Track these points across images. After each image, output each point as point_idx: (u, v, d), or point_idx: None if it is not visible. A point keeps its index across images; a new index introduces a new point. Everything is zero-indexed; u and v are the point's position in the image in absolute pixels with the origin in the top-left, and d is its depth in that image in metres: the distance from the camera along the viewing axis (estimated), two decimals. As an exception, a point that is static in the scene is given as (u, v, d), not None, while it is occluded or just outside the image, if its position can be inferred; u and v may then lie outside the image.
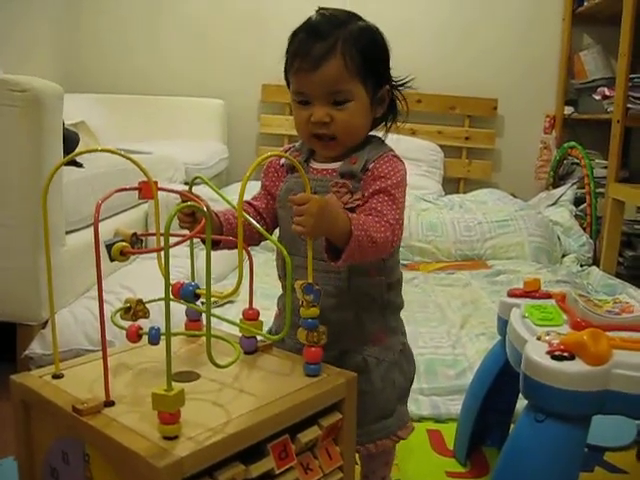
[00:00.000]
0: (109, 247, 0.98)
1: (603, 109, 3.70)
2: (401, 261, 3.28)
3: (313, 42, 1.16)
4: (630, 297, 1.32)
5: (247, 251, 1.10)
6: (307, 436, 0.98)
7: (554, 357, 1.10)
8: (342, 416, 1.04)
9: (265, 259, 2.83)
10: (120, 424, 0.89)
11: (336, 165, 1.22)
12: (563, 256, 3.57)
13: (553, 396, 1.09)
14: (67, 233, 2.13)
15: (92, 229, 0.92)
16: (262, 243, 1.27)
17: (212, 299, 0.91)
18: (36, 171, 1.90)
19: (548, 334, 1.17)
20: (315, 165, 1.25)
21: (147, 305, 1.05)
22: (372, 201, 1.17)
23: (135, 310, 1.05)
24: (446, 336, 2.23)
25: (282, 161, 1.29)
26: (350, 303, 1.23)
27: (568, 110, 4.28)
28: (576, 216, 3.86)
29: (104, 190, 0.91)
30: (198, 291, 1.06)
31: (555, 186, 4.20)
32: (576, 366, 1.08)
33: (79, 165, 2.39)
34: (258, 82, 4.40)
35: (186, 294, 1.07)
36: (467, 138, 4.38)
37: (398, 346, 1.30)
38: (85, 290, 2.25)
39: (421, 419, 1.85)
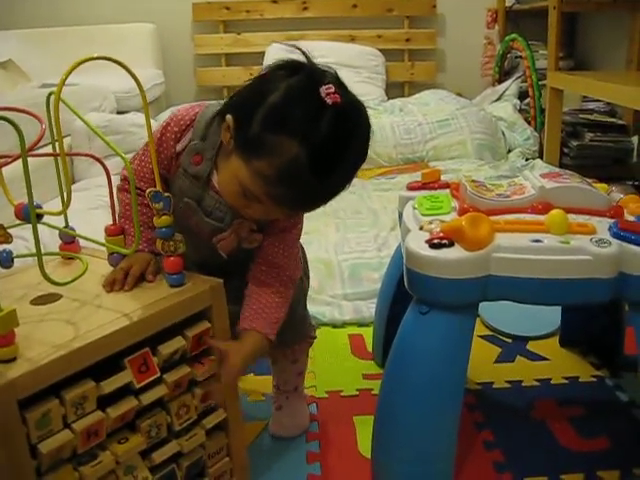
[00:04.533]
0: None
1: (542, -3, 3.61)
2: (341, 170, 3.27)
3: (314, 188, 0.95)
4: (526, 179, 1.28)
5: (101, 163, 1.04)
6: (170, 347, 0.95)
7: (432, 245, 1.06)
8: (209, 324, 1.01)
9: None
10: (-38, 351, 0.85)
11: None
12: (509, 151, 3.54)
13: (434, 286, 1.06)
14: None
15: None
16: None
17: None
18: None
19: (431, 223, 1.14)
20: (216, 182, 1.08)
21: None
22: (272, 251, 1.14)
23: (-5, 235, 1.01)
24: (373, 240, 2.21)
25: (178, 147, 1.08)
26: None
27: (509, 2, 4.16)
28: (521, 110, 3.81)
29: (8, 127, 0.82)
30: (39, 211, 1.01)
31: (501, 81, 4.13)
32: (454, 253, 1.05)
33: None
34: (187, 1, 4.27)
35: (27, 215, 1.01)
36: (408, 40, 4.28)
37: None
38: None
39: (344, 324, 1.84)
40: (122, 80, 3.44)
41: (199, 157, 1.07)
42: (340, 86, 0.95)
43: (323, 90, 0.92)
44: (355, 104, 0.98)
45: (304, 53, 0.99)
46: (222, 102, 1.06)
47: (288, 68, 0.98)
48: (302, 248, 1.27)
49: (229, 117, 0.99)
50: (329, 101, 0.92)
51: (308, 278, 1.33)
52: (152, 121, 1.05)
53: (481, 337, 1.75)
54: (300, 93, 0.94)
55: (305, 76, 0.95)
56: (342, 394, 1.51)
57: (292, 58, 0.99)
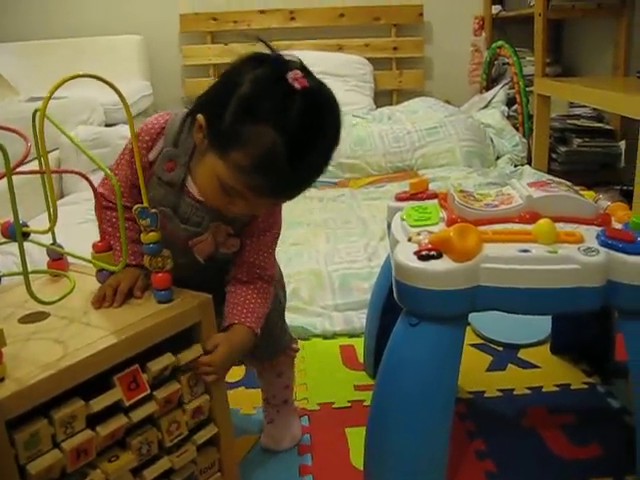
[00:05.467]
0: None
1: (528, 4, 3.62)
2: (331, 179, 3.28)
3: (291, 174, 0.95)
4: (513, 188, 1.28)
5: (87, 179, 1.04)
6: (159, 364, 0.95)
7: (421, 257, 1.06)
8: (202, 352, 1.02)
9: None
10: (-50, 372, 0.85)
11: None
12: (498, 158, 3.55)
13: (423, 298, 1.06)
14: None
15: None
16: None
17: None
18: None
19: (419, 234, 1.14)
20: (192, 189, 1.08)
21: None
22: (252, 252, 1.14)
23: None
24: (363, 250, 2.21)
25: (150, 157, 1.08)
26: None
27: (496, 9, 4.18)
28: (509, 117, 3.83)
29: None
30: (25, 229, 1.00)
31: (488, 89, 4.15)
32: (443, 264, 1.05)
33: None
34: (174, 13, 4.27)
35: (12, 233, 1.01)
36: (395, 48, 4.29)
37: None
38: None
39: (335, 335, 1.84)
40: (110, 93, 3.44)
41: (172, 163, 1.07)
42: (306, 72, 0.96)
43: (290, 76, 0.93)
44: (323, 88, 0.98)
45: (267, 45, 1.00)
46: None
47: (252, 60, 0.98)
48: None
49: (200, 116, 1.00)
50: (297, 86, 0.92)
51: (284, 291, 1.33)
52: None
53: (472, 346, 1.75)
54: (268, 82, 0.94)
55: (270, 65, 0.96)
56: (334, 406, 1.51)
57: (255, 51, 0.99)
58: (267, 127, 0.92)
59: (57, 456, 0.83)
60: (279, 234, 1.19)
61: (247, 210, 1.04)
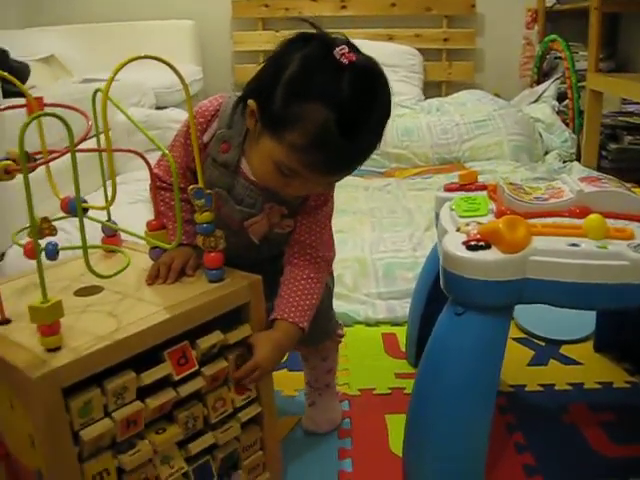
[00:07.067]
0: (-7, 165, 0.95)
1: (584, -3, 3.57)
2: (377, 169, 3.29)
3: (346, 149, 0.97)
4: (564, 182, 1.27)
5: (144, 158, 1.06)
6: (208, 341, 0.97)
7: (469, 247, 1.06)
8: (251, 332, 1.04)
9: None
10: (10, 341, 0.88)
11: None
12: (546, 153, 3.52)
13: (470, 288, 1.06)
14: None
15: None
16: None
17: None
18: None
19: (468, 224, 1.14)
20: (246, 170, 1.10)
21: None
22: (303, 230, 1.16)
23: (40, 228, 1.03)
24: (408, 240, 2.21)
25: (205, 138, 1.10)
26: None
27: (550, 2, 4.13)
28: (559, 112, 3.78)
29: (53, 121, 0.85)
30: (85, 205, 1.03)
31: (539, 83, 4.10)
32: (491, 255, 1.05)
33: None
34: (227, -2, 4.31)
35: (73, 208, 1.04)
36: (446, 39, 4.27)
37: None
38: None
39: (377, 323, 1.85)
40: (162, 76, 3.49)
41: (227, 145, 1.09)
42: (353, 47, 0.97)
43: (337, 52, 0.94)
44: (371, 62, 0.99)
45: (312, 24, 1.01)
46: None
47: (298, 40, 0.99)
48: None
49: (251, 102, 1.02)
50: (345, 61, 0.94)
51: (332, 276, 1.34)
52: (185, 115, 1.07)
53: (514, 340, 1.74)
54: (315, 59, 0.96)
55: (316, 43, 0.97)
56: (375, 392, 1.52)
57: (300, 31, 1.00)
58: (318, 104, 0.94)
59: (108, 425, 0.86)
60: (331, 213, 1.20)
61: (303, 191, 1.06)
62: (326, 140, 0.95)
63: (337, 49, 0.94)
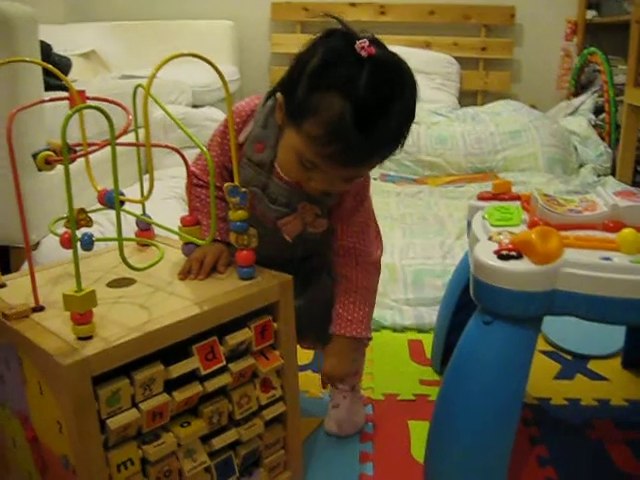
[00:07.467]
0: (34, 156, 0.97)
1: (625, 11, 3.53)
2: (410, 176, 3.27)
3: (360, 141, 0.97)
4: (598, 196, 1.27)
5: (181, 154, 1.07)
6: (236, 338, 0.98)
7: (501, 256, 1.06)
8: (270, 317, 1.03)
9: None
10: (43, 327, 0.90)
11: None
12: (580, 166, 3.48)
13: (499, 297, 1.06)
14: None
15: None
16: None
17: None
18: (12, 97, 1.87)
19: (500, 234, 1.14)
20: (280, 170, 1.11)
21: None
22: (344, 235, 1.19)
23: (77, 219, 1.05)
24: (438, 247, 2.20)
25: (240, 138, 1.12)
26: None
27: (590, 14, 4.08)
28: (596, 125, 3.74)
29: (93, 113, 0.85)
30: (122, 198, 1.05)
31: (576, 95, 4.06)
32: (522, 265, 1.04)
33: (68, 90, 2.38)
34: (267, 0, 4.31)
35: (110, 200, 1.06)
36: (484, 49, 4.24)
37: None
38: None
39: (404, 329, 1.85)
40: (199, 74, 3.52)
41: (261, 145, 1.11)
42: (376, 42, 0.98)
43: (358, 45, 0.96)
44: (393, 57, 1.00)
45: (339, 20, 1.02)
46: None
47: (323, 36, 1.01)
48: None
49: (279, 95, 1.05)
50: (364, 54, 0.95)
51: None
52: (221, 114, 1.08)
53: (541, 352, 1.73)
54: (336, 52, 0.97)
55: (339, 36, 0.99)
56: (398, 398, 1.52)
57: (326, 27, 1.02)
58: (335, 94, 0.95)
59: (135, 415, 0.87)
60: (371, 211, 1.22)
61: (326, 185, 1.06)
62: (341, 131, 0.96)
63: (358, 42, 0.96)
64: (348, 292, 1.19)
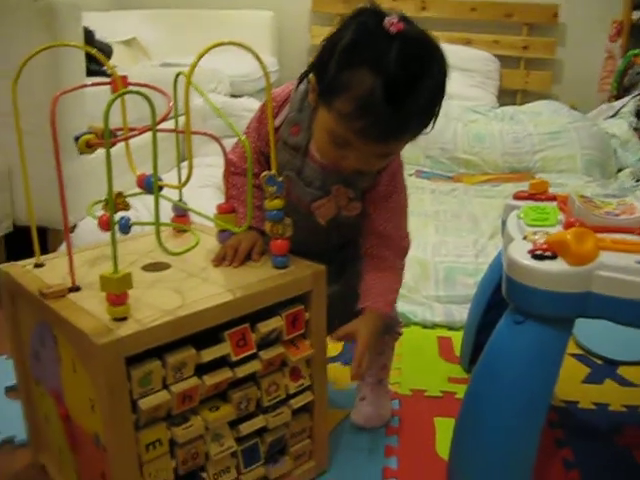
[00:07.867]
0: (76, 139, 0.99)
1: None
2: (445, 173, 3.26)
3: (390, 115, 0.97)
4: (637, 199, 1.25)
5: (219, 142, 1.09)
6: (268, 326, 0.99)
7: (535, 256, 1.06)
8: (302, 306, 1.04)
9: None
10: (79, 307, 0.91)
11: None
12: (619, 170, 3.43)
13: (532, 297, 1.05)
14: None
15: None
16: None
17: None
18: (55, 81, 1.90)
19: (535, 234, 1.13)
20: (315, 152, 1.13)
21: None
22: (378, 220, 1.19)
23: (115, 203, 1.06)
24: (471, 245, 2.19)
25: (276, 122, 1.12)
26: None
27: (637, 15, 4.02)
28: (637, 129, 3.69)
29: (133, 99, 0.88)
30: (161, 183, 1.06)
31: (618, 98, 4.00)
32: (556, 266, 1.04)
33: (108, 75, 2.41)
34: (308, -9, 4.33)
35: (149, 185, 1.07)
36: (525, 47, 4.19)
37: None
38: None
39: (434, 326, 1.85)
40: (238, 64, 3.53)
41: (297, 128, 1.12)
42: (405, 19, 0.99)
43: (387, 22, 0.97)
44: (422, 34, 1.01)
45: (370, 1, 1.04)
46: None
47: (353, 15, 1.03)
48: None
49: (311, 76, 1.06)
50: (393, 30, 0.96)
51: None
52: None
53: (571, 355, 1.72)
54: (365, 29, 0.99)
55: (369, 14, 1.00)
56: (426, 394, 1.52)
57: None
58: (365, 70, 0.96)
59: (165, 397, 0.89)
60: (405, 203, 1.22)
61: (359, 163, 1.06)
62: (371, 105, 0.96)
63: (387, 19, 0.97)
64: (378, 270, 1.19)
